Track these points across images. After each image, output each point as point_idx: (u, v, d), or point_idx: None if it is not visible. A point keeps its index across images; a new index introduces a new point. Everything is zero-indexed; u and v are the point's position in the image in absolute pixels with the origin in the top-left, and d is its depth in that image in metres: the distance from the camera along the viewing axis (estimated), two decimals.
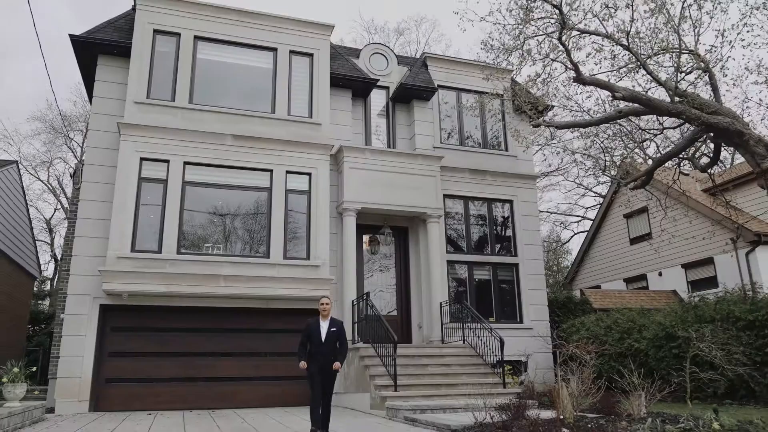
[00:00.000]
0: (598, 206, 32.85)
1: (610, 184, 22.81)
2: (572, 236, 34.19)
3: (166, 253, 10.66)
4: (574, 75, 9.98)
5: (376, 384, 9.40)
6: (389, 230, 12.69)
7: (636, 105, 9.87)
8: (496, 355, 10.46)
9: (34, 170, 32.14)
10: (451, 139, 14.26)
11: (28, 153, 39.91)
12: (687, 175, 13.46)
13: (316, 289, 10.96)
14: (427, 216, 12.69)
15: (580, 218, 33.63)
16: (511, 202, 14.11)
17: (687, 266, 18.32)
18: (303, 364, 6.83)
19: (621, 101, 9.77)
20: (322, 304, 7.13)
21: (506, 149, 14.58)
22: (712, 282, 17.03)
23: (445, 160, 13.27)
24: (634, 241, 20.64)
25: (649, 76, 9.81)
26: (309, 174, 12.00)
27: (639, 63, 9.62)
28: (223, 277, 10.80)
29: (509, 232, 14.03)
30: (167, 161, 11.15)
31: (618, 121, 11.27)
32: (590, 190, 33.76)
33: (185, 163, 11.24)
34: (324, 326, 6.99)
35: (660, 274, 19.36)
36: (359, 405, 9.77)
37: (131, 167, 10.89)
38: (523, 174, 14.35)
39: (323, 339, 6.90)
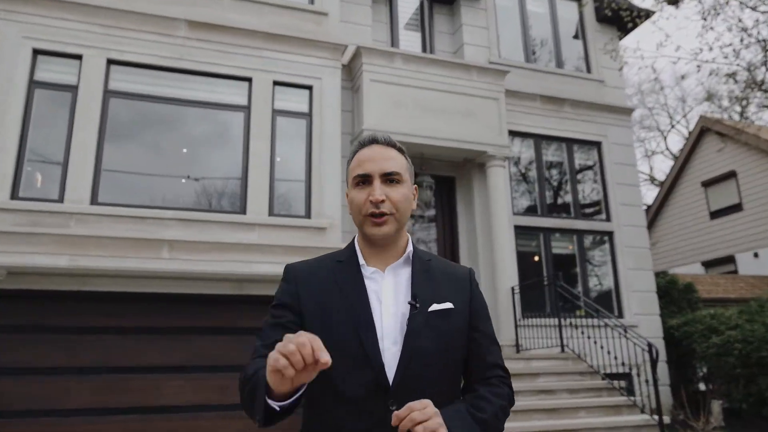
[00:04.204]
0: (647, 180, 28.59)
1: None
2: None
3: (72, 202, 6.41)
4: None
5: None
6: (430, 179, 8.41)
7: None
8: (627, 366, 6.35)
9: None
10: (514, 55, 9.95)
11: None
12: None
13: None
14: (487, 158, 8.42)
15: None
16: (598, 144, 9.83)
17: None
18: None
19: None
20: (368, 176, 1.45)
21: (588, 71, 10.28)
22: None
23: (505, 82, 9.00)
24: (715, 214, 16.41)
25: None
26: (309, 87, 7.73)
27: None
28: (167, 244, 6.56)
29: (598, 188, 9.76)
30: (80, 57, 6.87)
31: None
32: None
33: (110, 61, 6.98)
34: (387, 289, 1.39)
35: (756, 255, 15.17)
36: None
37: (17, 63, 6.61)
38: (614, 105, 10.05)
39: (392, 372, 1.33)
